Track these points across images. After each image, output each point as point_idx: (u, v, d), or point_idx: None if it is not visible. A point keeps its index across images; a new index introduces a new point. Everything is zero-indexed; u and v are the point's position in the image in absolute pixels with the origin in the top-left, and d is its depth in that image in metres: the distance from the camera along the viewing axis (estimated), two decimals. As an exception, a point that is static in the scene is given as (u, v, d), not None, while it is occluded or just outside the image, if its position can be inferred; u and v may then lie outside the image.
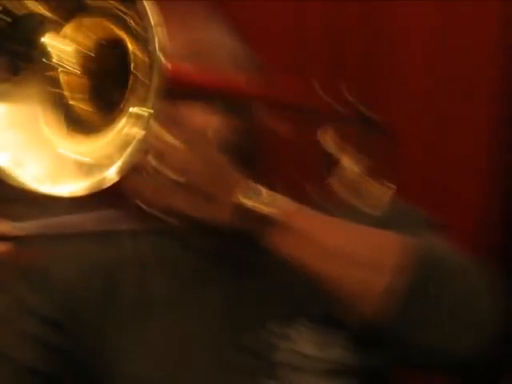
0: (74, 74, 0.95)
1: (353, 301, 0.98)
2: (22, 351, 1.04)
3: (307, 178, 1.08)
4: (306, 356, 1.07)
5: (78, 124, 0.94)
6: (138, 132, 0.86)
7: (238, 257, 1.08)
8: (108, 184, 0.87)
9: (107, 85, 0.94)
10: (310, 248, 0.98)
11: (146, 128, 0.86)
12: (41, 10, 0.93)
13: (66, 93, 0.95)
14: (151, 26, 0.84)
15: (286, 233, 0.97)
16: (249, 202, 0.96)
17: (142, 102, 0.86)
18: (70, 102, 0.95)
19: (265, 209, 0.97)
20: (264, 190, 0.98)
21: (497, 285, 1.02)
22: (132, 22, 0.89)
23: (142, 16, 0.86)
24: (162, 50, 0.84)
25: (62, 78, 0.95)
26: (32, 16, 0.93)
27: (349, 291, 0.98)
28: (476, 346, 0.99)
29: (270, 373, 1.06)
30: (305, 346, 1.07)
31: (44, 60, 0.94)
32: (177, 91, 0.91)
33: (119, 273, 1.08)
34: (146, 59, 0.87)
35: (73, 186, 0.89)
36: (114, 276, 1.08)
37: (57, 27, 0.94)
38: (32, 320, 1.05)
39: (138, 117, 0.87)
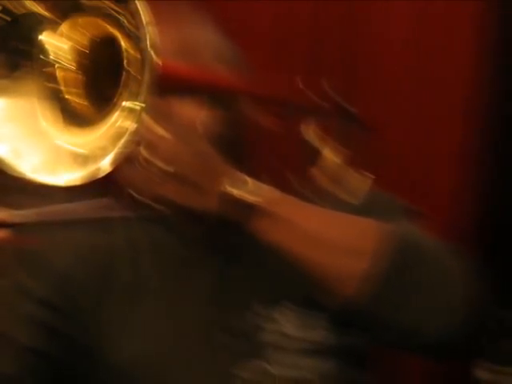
0: (70, 70, 0.97)
1: (333, 285, 1.01)
2: (22, 332, 1.04)
3: (290, 169, 1.10)
4: (290, 337, 1.09)
5: (73, 117, 0.96)
6: (130, 125, 0.88)
7: (225, 243, 1.10)
8: (102, 174, 0.89)
9: (101, 80, 0.96)
10: (293, 235, 1.01)
11: (138, 121, 0.88)
12: (39, 9, 0.95)
13: (63, 88, 0.97)
14: (143, 25, 0.87)
15: (271, 220, 1.00)
16: (235, 191, 0.99)
17: (135, 97, 0.89)
18: (66, 97, 0.97)
19: (250, 197, 0.99)
20: (249, 180, 1.00)
21: (470, 269, 1.05)
22: (125, 21, 0.91)
23: (134, 15, 0.88)
24: (153, 47, 0.87)
25: (59, 73, 0.97)
26: (30, 15, 0.95)
27: (330, 276, 1.01)
28: (450, 327, 1.02)
29: (256, 352, 1.08)
30: (288, 327, 1.09)
31: (42, 57, 0.96)
32: (167, 86, 0.93)
33: (114, 259, 1.10)
34: (138, 56, 0.89)
35: (69, 176, 0.91)
36: (109, 262, 1.09)
37: (54, 26, 0.96)
38: (31, 303, 1.06)
39: (130, 110, 0.89)
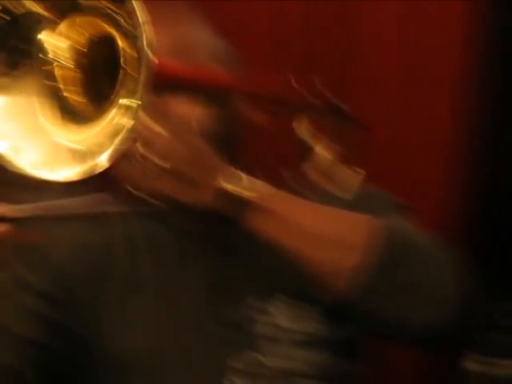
0: (69, 69, 0.98)
1: (326, 278, 1.03)
2: (22, 325, 1.05)
3: (284, 165, 1.11)
4: (283, 328, 1.11)
5: (71, 114, 0.97)
6: (127, 122, 0.90)
7: (220, 237, 1.11)
8: (100, 170, 0.90)
9: (99, 78, 0.97)
10: (286, 229, 1.03)
11: (135, 118, 0.89)
12: (38, 9, 0.96)
13: (61, 86, 0.98)
14: (139, 24, 0.88)
15: (265, 215, 1.02)
16: (230, 187, 1.00)
17: (131, 94, 0.90)
18: (65, 94, 0.98)
19: (245, 193, 1.01)
20: (244, 176, 1.02)
21: (458, 263, 1.07)
22: (122, 21, 0.92)
23: (131, 15, 0.89)
24: (149, 46, 0.88)
25: (57, 72, 0.98)
26: (30, 15, 0.96)
27: (322, 269, 1.03)
28: (440, 320, 1.03)
29: (250, 344, 1.09)
30: (281, 319, 1.11)
31: (41, 55, 0.97)
32: (163, 84, 0.94)
33: (112, 254, 1.10)
34: (135, 54, 0.91)
35: (67, 172, 0.92)
36: (107, 257, 1.10)
37: (52, 25, 0.97)
38: (31, 296, 1.06)
39: (127, 108, 0.91)
